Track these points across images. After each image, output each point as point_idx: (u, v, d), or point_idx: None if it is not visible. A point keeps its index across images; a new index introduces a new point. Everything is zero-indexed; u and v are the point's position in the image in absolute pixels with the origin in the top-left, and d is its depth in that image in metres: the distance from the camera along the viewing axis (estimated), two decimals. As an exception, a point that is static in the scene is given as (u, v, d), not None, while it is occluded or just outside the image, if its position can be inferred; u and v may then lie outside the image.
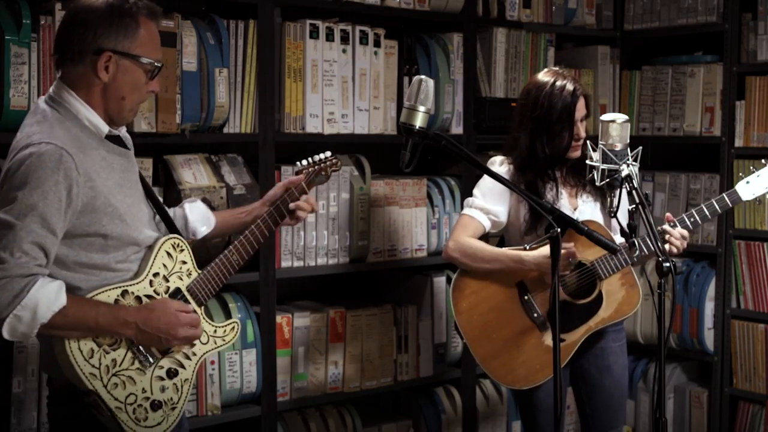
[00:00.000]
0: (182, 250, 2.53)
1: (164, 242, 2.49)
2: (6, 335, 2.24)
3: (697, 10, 4.45)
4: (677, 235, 3.16)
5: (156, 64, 2.41)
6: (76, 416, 2.39)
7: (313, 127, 3.62)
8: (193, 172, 3.35)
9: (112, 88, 2.37)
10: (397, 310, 3.92)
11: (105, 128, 2.40)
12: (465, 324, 3.25)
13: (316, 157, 2.84)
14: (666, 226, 3.18)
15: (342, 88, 3.70)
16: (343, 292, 4.07)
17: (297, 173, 2.85)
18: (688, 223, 3.21)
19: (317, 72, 3.62)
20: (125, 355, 2.38)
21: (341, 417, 3.81)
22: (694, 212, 3.23)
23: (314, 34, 3.61)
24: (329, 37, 3.65)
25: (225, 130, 3.45)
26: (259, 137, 3.49)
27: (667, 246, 3.15)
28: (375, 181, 3.82)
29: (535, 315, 3.21)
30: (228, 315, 3.43)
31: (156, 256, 2.46)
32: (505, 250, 3.20)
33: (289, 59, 3.55)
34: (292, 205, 2.76)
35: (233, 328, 2.62)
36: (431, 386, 4.10)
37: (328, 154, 2.87)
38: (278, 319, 3.58)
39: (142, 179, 2.56)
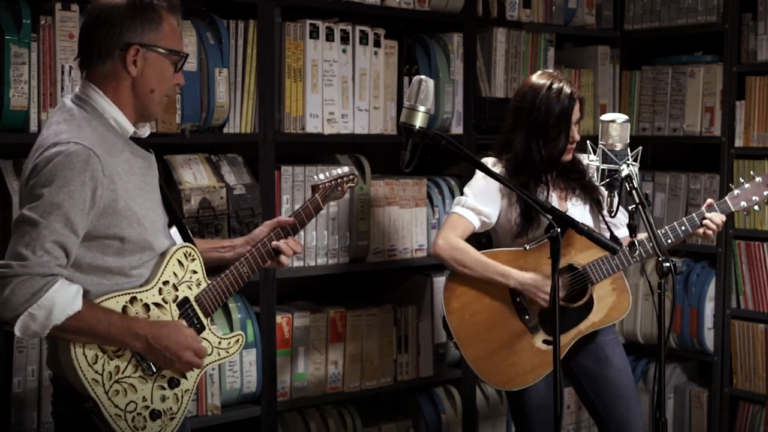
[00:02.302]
0: (194, 260, 2.53)
1: (176, 250, 2.49)
2: (18, 332, 2.24)
3: (697, 10, 4.45)
4: (717, 221, 3.20)
5: (181, 54, 2.44)
6: (79, 417, 2.38)
7: (313, 127, 3.62)
8: (193, 172, 3.36)
9: (141, 82, 2.39)
10: (397, 310, 3.92)
11: (131, 129, 2.42)
12: (456, 324, 3.25)
13: (334, 172, 2.83)
14: (705, 212, 3.22)
15: (342, 88, 3.70)
16: (342, 292, 4.07)
17: (313, 187, 2.84)
18: (679, 231, 3.21)
19: (317, 72, 3.62)
20: (128, 363, 2.37)
21: (341, 417, 3.81)
22: (685, 220, 3.23)
23: (314, 34, 3.61)
24: (329, 37, 3.65)
25: (225, 130, 3.45)
26: (259, 137, 3.49)
27: (701, 230, 3.21)
28: (375, 181, 3.82)
29: (527, 317, 3.21)
30: (228, 316, 3.43)
31: (168, 263, 2.46)
32: (494, 263, 3.19)
33: (289, 59, 3.55)
34: (274, 244, 2.73)
35: (237, 340, 2.62)
36: (431, 386, 4.10)
37: (346, 169, 2.86)
38: (278, 319, 3.58)
39: (161, 185, 2.56)
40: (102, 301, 2.33)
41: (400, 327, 3.92)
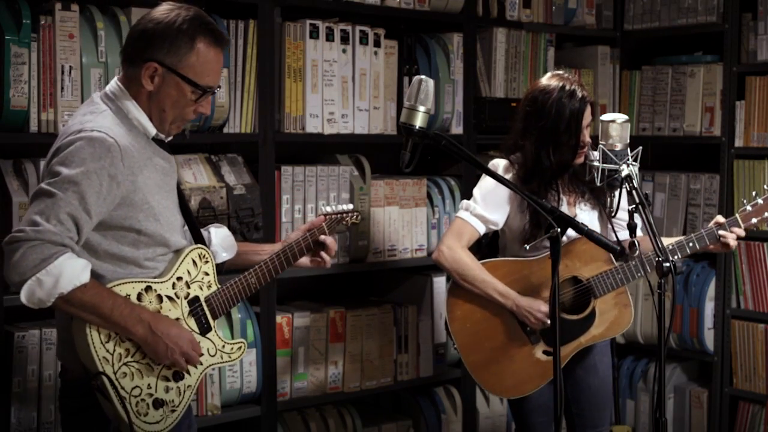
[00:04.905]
0: (207, 262, 2.58)
1: (191, 250, 2.55)
2: (23, 298, 2.27)
3: (697, 10, 4.44)
4: (733, 236, 3.16)
5: (200, 88, 2.45)
6: (86, 410, 2.43)
7: (313, 127, 3.62)
8: (193, 172, 3.36)
9: (156, 99, 2.45)
10: (397, 310, 3.92)
11: (153, 130, 2.48)
12: (458, 331, 3.25)
13: (339, 207, 2.90)
14: (715, 229, 3.16)
15: (342, 88, 3.70)
16: (343, 292, 4.07)
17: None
18: (687, 249, 3.16)
19: (317, 72, 3.62)
20: (138, 348, 2.42)
21: (341, 417, 3.81)
22: (693, 237, 3.17)
23: (314, 34, 3.61)
24: (329, 37, 3.65)
25: (225, 130, 3.45)
26: (259, 137, 3.49)
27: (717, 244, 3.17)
28: (375, 181, 3.82)
29: (528, 327, 3.20)
30: (229, 316, 3.43)
31: (183, 261, 2.52)
32: (495, 282, 3.18)
33: (289, 59, 3.55)
34: (322, 238, 2.78)
35: (240, 347, 2.67)
36: (431, 386, 4.10)
37: (351, 206, 2.92)
38: (278, 319, 3.58)
39: (179, 189, 2.62)
40: (118, 285, 2.39)
41: (400, 327, 3.92)
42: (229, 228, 3.32)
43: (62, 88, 3.04)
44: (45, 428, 3.08)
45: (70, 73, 3.04)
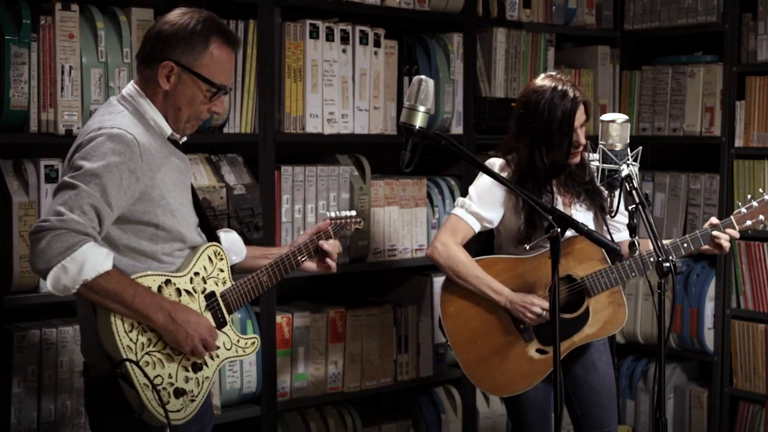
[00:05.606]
0: (222, 259, 2.65)
1: (207, 247, 2.62)
2: (49, 285, 2.33)
3: (697, 10, 4.45)
4: (726, 237, 3.15)
5: (214, 86, 2.52)
6: (112, 407, 2.48)
7: (313, 127, 3.62)
8: (193, 172, 3.35)
9: (172, 98, 2.52)
10: (397, 310, 3.92)
11: (168, 130, 2.56)
12: (451, 328, 3.25)
13: (343, 213, 2.95)
14: (709, 230, 3.15)
15: (342, 88, 3.70)
16: (343, 292, 4.07)
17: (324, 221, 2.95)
18: (682, 250, 3.16)
19: (317, 72, 3.62)
20: (159, 338, 2.47)
21: (341, 417, 3.82)
22: (688, 238, 3.17)
23: (314, 34, 3.61)
24: (329, 37, 3.65)
25: (225, 130, 3.45)
26: (259, 137, 3.49)
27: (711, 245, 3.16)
28: (375, 181, 3.82)
29: (521, 325, 3.20)
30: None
31: (199, 257, 2.59)
32: (488, 279, 3.18)
33: (289, 59, 3.55)
34: (321, 242, 2.83)
35: (253, 342, 2.72)
36: (431, 386, 4.10)
37: (354, 213, 2.97)
38: (278, 319, 3.58)
39: (193, 189, 2.69)
40: (140, 277, 2.45)
41: (400, 327, 3.92)
42: (229, 228, 3.33)
43: (62, 88, 3.04)
44: (45, 428, 3.08)
45: (70, 73, 3.05)
